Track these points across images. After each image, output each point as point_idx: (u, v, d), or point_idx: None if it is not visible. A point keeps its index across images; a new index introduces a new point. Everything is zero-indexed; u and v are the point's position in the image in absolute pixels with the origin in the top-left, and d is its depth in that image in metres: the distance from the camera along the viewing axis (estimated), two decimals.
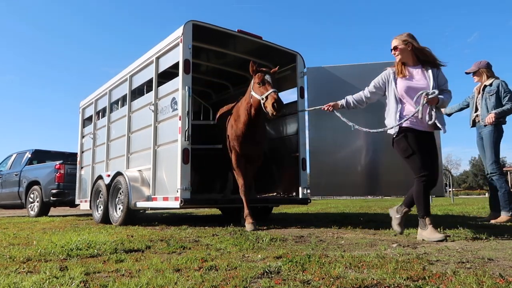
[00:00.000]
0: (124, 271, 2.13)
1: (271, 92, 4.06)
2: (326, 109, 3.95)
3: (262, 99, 4.11)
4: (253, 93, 4.34)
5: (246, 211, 4.46)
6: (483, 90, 5.04)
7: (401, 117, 3.42)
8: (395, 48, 3.50)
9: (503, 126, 4.98)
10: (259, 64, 4.63)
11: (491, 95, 4.93)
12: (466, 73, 5.24)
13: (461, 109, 5.42)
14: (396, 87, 3.50)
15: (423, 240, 3.23)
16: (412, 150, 3.29)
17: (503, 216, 4.81)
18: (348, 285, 1.74)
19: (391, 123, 3.48)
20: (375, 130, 3.72)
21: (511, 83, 5.02)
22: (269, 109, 4.00)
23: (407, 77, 3.47)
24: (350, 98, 3.82)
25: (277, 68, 4.51)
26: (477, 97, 5.16)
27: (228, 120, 4.97)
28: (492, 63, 5.12)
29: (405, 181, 4.97)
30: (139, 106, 5.82)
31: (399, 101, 3.48)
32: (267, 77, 4.22)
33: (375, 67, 5.04)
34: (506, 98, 4.84)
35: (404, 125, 3.38)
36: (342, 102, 3.83)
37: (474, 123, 5.22)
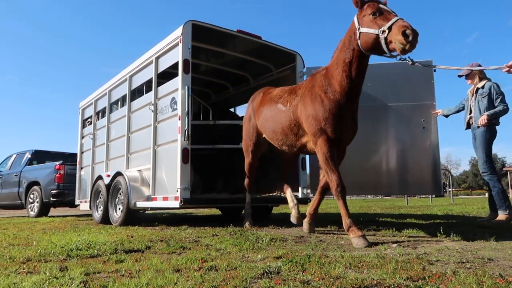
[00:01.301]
0: (124, 272, 2.13)
1: (397, 20, 2.88)
2: (507, 70, 2.87)
3: (383, 31, 2.91)
4: (364, 29, 3.05)
5: (347, 220, 3.20)
6: (476, 92, 5.10)
7: None
8: None
9: (496, 127, 5.05)
10: None
11: (483, 97, 4.99)
12: (459, 76, 5.28)
13: (458, 111, 5.45)
14: None
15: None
16: None
17: (501, 215, 4.81)
18: (348, 285, 1.74)
19: None
20: None
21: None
22: (399, 40, 2.78)
23: None
24: None
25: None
26: (470, 99, 5.21)
27: (290, 100, 3.95)
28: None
29: (405, 181, 4.98)
30: (139, 106, 5.82)
31: None
32: (382, 6, 3.08)
33: (374, 68, 5.06)
34: (498, 100, 4.93)
35: None
36: None
37: (468, 125, 5.27)
